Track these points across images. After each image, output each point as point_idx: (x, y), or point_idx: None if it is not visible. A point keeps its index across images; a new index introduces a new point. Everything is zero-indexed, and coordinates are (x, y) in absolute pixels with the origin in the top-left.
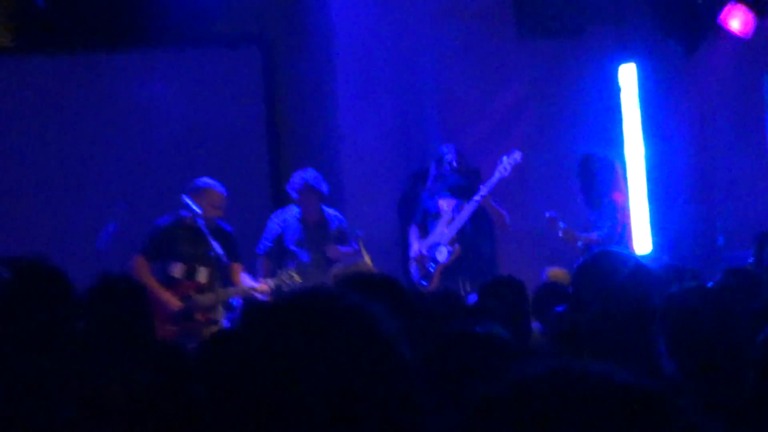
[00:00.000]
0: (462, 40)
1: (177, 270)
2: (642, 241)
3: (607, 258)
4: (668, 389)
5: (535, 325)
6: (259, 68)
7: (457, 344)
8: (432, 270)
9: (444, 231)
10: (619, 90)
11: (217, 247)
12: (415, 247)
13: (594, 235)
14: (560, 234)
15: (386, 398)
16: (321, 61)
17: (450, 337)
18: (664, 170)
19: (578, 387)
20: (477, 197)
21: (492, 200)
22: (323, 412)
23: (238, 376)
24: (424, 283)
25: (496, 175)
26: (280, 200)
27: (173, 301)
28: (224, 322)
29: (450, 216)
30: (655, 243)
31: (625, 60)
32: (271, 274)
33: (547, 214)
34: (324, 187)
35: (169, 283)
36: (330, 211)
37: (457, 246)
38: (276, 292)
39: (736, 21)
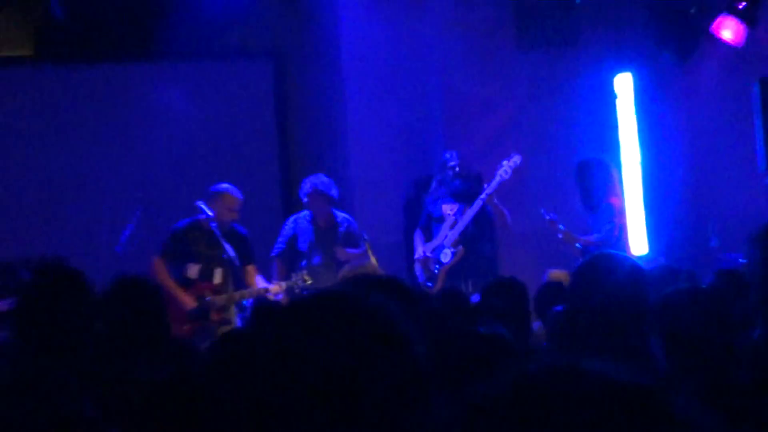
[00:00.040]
0: (465, 52)
1: (193, 271)
2: (638, 243)
3: (604, 259)
4: (663, 386)
5: (537, 324)
6: (271, 80)
7: (460, 343)
8: (437, 271)
9: (447, 234)
10: (615, 97)
11: (229, 249)
12: (420, 250)
13: (592, 238)
14: (560, 236)
15: (402, 397)
16: (330, 73)
17: (453, 336)
18: (659, 175)
19: (575, 384)
20: (482, 195)
21: (495, 199)
22: (338, 410)
23: (259, 374)
24: (430, 284)
25: (497, 178)
26: (291, 206)
27: (189, 301)
28: (237, 322)
29: (453, 219)
30: (650, 245)
31: (621, 69)
32: (286, 275)
33: (548, 217)
34: (333, 192)
35: (186, 283)
36: (341, 214)
37: (460, 248)
38: (288, 293)
39: (728, 31)
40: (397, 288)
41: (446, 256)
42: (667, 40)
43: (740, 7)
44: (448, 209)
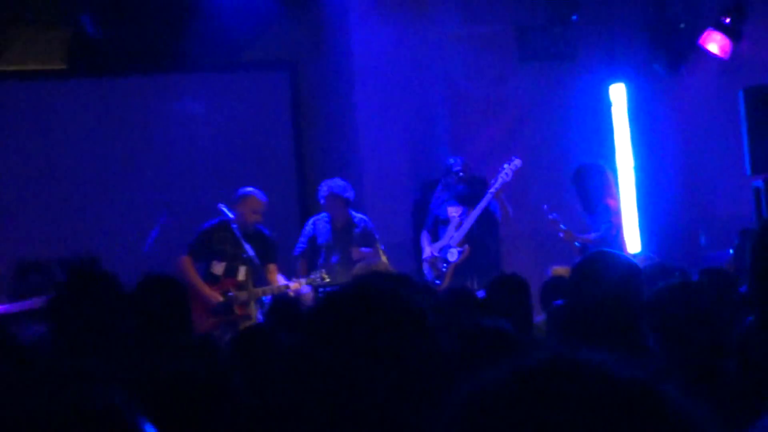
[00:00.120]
0: (470, 63)
1: (219, 268)
2: (632, 242)
3: (602, 257)
4: (657, 377)
5: (542, 317)
6: (287, 89)
7: (466, 336)
8: (444, 270)
9: (453, 234)
10: (610, 106)
11: (249, 249)
12: (428, 250)
13: (591, 236)
14: (561, 235)
15: (429, 383)
16: (343, 83)
17: (460, 330)
18: (651, 178)
19: (571, 377)
20: (491, 189)
21: (502, 195)
22: (380, 401)
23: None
24: (438, 282)
25: (500, 180)
26: (307, 209)
27: (215, 296)
28: (258, 317)
29: (458, 221)
30: (644, 243)
31: (616, 79)
32: (307, 274)
33: (550, 216)
34: (349, 194)
35: (212, 280)
36: (358, 215)
37: (466, 247)
38: (310, 289)
39: (714, 44)
40: (411, 284)
41: (453, 255)
42: (658, 53)
43: (726, 22)
44: (453, 211)
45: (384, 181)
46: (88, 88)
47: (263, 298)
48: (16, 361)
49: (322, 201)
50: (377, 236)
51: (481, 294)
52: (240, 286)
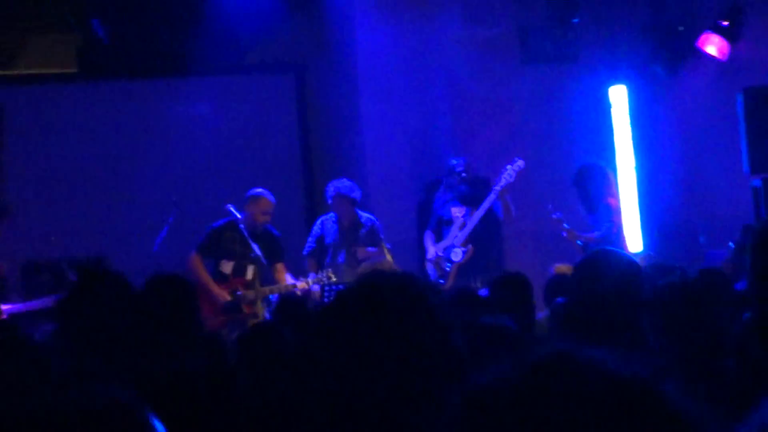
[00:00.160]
0: (473, 65)
1: (227, 267)
2: (633, 241)
3: (604, 255)
4: (656, 374)
5: (544, 314)
6: (293, 91)
7: (470, 333)
8: (448, 269)
9: (457, 234)
10: (610, 108)
11: (256, 248)
12: (432, 250)
13: (593, 235)
14: (564, 234)
15: (445, 378)
16: (347, 85)
17: (464, 327)
18: (651, 178)
19: (571, 374)
20: (496, 187)
21: (506, 194)
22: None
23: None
24: (442, 281)
25: (503, 181)
26: (313, 209)
27: (223, 295)
28: (266, 315)
29: (461, 221)
30: (644, 242)
31: (616, 81)
32: (316, 272)
33: (554, 215)
34: (356, 194)
35: (221, 278)
36: (365, 215)
37: (470, 246)
38: (318, 288)
39: (713, 47)
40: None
41: (457, 255)
42: (657, 55)
43: (723, 25)
44: (456, 212)
45: (387, 181)
46: (98, 91)
47: (270, 297)
48: (29, 360)
49: (329, 201)
50: (383, 236)
51: (484, 292)
52: (248, 285)
